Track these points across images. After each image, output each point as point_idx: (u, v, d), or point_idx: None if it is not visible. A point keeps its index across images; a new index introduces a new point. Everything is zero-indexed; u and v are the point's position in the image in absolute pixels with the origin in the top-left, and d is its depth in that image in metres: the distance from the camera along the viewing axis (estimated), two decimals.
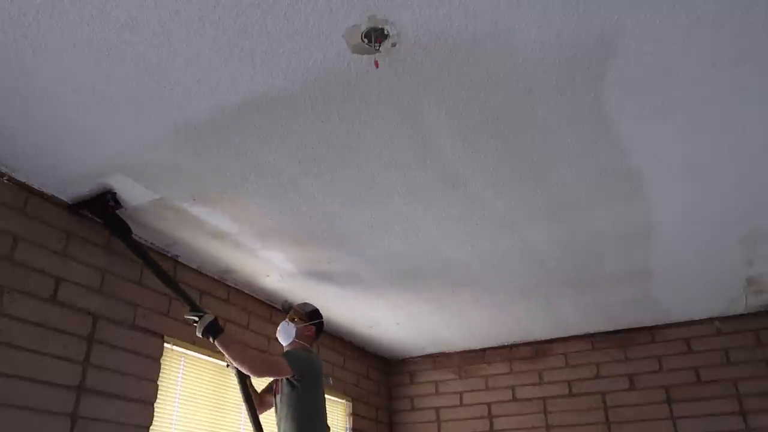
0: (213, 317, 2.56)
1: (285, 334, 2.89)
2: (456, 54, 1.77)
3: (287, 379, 2.72)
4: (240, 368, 2.62)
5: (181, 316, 3.04)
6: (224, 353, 2.57)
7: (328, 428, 2.81)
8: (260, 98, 1.93)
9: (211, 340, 2.54)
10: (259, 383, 3.00)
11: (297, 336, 2.88)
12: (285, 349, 2.90)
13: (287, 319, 2.93)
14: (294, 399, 2.70)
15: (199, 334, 2.54)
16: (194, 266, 3.21)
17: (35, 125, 2.05)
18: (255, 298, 3.66)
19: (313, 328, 2.96)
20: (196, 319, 2.55)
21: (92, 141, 2.14)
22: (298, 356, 2.77)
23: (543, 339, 4.66)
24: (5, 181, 2.33)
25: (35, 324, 2.32)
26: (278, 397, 2.80)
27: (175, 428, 2.90)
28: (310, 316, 2.98)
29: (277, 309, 3.79)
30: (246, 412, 2.85)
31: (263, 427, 2.84)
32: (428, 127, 2.12)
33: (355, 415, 4.46)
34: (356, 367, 4.65)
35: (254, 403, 2.86)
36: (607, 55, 1.79)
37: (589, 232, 2.94)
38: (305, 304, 3.06)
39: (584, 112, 2.06)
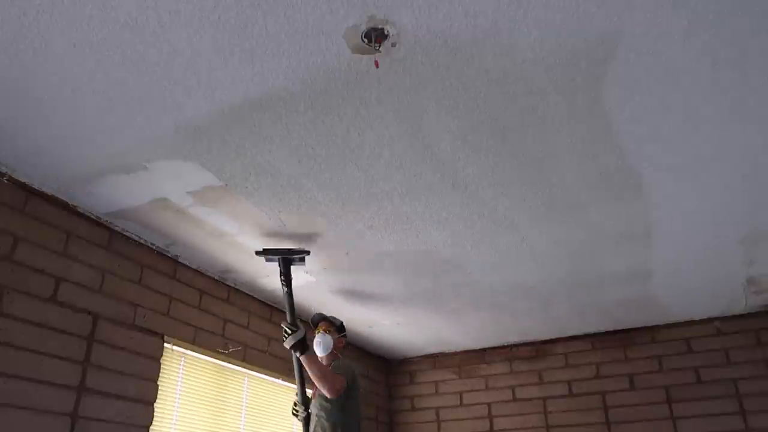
0: (304, 334, 2.79)
1: (325, 346, 3.00)
2: (456, 54, 1.76)
3: None
4: (319, 385, 2.80)
5: (181, 316, 3.05)
6: (307, 368, 2.79)
7: None
8: (260, 98, 1.93)
9: (297, 354, 2.79)
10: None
11: (334, 347, 3.03)
12: (321, 359, 3.01)
13: (322, 331, 3.05)
14: (337, 406, 2.84)
15: (287, 346, 2.79)
16: (194, 266, 3.21)
17: (35, 125, 2.05)
18: (255, 298, 3.66)
19: (344, 339, 3.15)
20: (289, 331, 2.78)
21: (92, 141, 2.14)
22: (348, 368, 2.96)
23: (543, 339, 4.66)
24: (5, 181, 2.33)
25: (35, 324, 2.32)
26: (315, 401, 2.96)
27: (175, 428, 2.90)
28: (341, 328, 3.16)
29: (276, 309, 3.79)
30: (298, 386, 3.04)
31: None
32: (428, 127, 2.12)
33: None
34: (356, 367, 4.64)
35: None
36: (607, 55, 1.79)
37: (589, 232, 2.94)
38: (334, 317, 3.21)
39: (584, 112, 2.06)
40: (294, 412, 3.07)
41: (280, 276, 2.92)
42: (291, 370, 3.10)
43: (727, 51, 1.79)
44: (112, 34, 1.65)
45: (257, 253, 2.91)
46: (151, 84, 1.86)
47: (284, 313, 3.11)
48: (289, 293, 2.92)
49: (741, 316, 4.13)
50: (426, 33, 1.68)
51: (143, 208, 2.62)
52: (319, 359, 2.99)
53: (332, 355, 3.04)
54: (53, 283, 2.43)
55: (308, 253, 2.93)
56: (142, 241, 2.89)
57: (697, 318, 4.24)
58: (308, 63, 1.78)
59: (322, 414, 2.86)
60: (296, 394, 3.06)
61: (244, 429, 3.37)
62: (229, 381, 3.36)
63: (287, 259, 2.94)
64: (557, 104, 2.01)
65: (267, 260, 2.97)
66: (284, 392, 3.77)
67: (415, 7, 1.59)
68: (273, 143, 2.17)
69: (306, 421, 2.97)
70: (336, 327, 3.13)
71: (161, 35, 1.66)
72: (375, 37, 1.67)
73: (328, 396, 2.79)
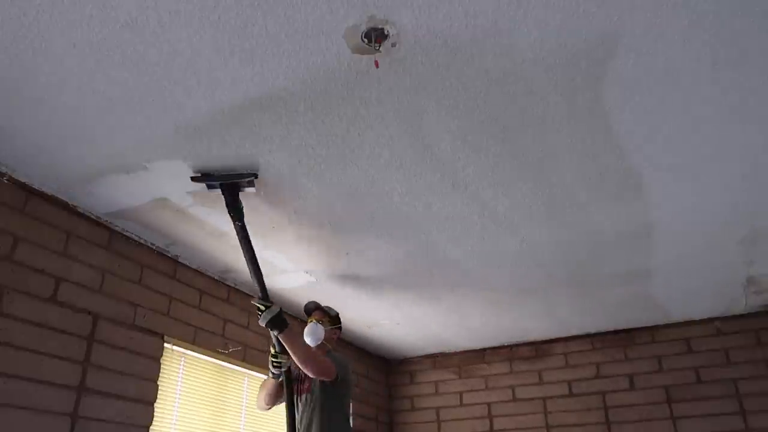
0: (279, 309, 2.43)
1: (314, 336, 2.78)
2: (456, 54, 1.76)
3: (322, 381, 2.73)
4: (300, 363, 2.54)
5: (181, 316, 3.05)
6: (288, 349, 2.51)
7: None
8: (260, 98, 1.93)
9: (275, 333, 2.46)
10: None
11: (325, 338, 2.86)
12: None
13: (315, 321, 2.88)
14: (327, 401, 2.73)
15: (262, 324, 2.43)
16: (194, 266, 3.21)
17: (35, 125, 2.05)
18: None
19: (338, 331, 3.05)
20: (262, 308, 2.42)
21: (92, 141, 2.14)
22: (341, 361, 2.83)
23: (543, 339, 4.67)
24: (5, 181, 2.33)
25: (35, 324, 2.32)
26: (305, 396, 2.79)
27: (175, 428, 2.90)
28: (336, 320, 3.03)
29: None
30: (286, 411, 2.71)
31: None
32: (428, 127, 2.12)
33: (355, 415, 4.45)
34: (356, 367, 4.64)
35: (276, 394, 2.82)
36: (607, 55, 1.79)
37: (589, 232, 2.94)
38: (329, 308, 3.04)
39: (584, 112, 2.06)
40: (274, 363, 2.62)
41: (227, 207, 2.35)
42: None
43: (727, 51, 1.79)
44: (112, 34, 1.65)
45: (193, 179, 2.33)
46: (151, 84, 1.86)
47: (307, 315, 2.99)
48: (245, 237, 2.39)
49: (741, 316, 4.13)
50: (426, 33, 1.68)
51: (143, 208, 2.62)
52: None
53: (323, 348, 2.87)
54: (53, 283, 2.43)
55: (255, 175, 2.31)
56: (142, 241, 2.89)
57: (697, 318, 4.24)
58: (308, 63, 1.78)
59: (313, 409, 2.73)
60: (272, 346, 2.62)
61: (244, 429, 3.37)
62: (229, 381, 3.36)
63: (233, 185, 2.33)
64: (557, 104, 2.01)
65: (208, 187, 2.36)
66: None
67: (415, 7, 1.59)
68: (273, 143, 2.17)
69: (287, 375, 2.67)
70: (330, 318, 2.96)
71: (161, 35, 1.66)
72: (375, 37, 1.67)
73: (313, 376, 2.58)
